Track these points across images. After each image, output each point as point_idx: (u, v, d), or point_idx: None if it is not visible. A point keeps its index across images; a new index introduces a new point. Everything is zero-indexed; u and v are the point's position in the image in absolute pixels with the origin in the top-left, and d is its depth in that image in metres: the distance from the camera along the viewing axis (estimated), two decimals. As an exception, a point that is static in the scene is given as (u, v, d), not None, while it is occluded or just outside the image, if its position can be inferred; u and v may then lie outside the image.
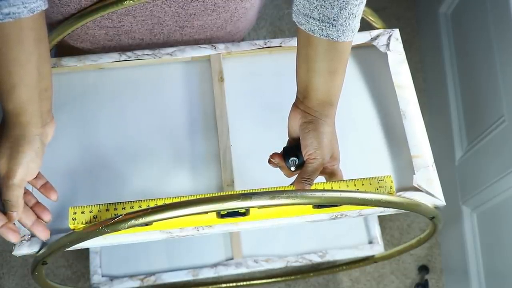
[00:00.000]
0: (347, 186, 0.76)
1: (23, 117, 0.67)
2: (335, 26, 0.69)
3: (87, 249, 1.50)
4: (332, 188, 0.76)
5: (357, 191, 0.75)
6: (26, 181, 0.70)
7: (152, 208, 0.67)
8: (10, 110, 0.66)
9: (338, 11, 0.68)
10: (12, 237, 0.73)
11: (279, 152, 0.78)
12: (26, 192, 0.74)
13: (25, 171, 0.68)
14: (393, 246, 1.63)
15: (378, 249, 1.46)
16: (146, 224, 0.68)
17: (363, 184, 0.77)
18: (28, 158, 0.68)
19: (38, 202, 0.75)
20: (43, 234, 0.75)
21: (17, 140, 0.67)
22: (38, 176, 0.75)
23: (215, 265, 1.42)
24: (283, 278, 1.56)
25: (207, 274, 1.42)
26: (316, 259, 1.44)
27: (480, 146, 1.39)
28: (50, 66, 0.69)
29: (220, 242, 1.44)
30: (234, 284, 1.53)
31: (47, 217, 0.75)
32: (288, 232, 1.46)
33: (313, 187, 0.75)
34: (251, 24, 1.04)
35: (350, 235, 1.47)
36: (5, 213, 0.71)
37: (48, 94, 0.69)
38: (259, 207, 0.69)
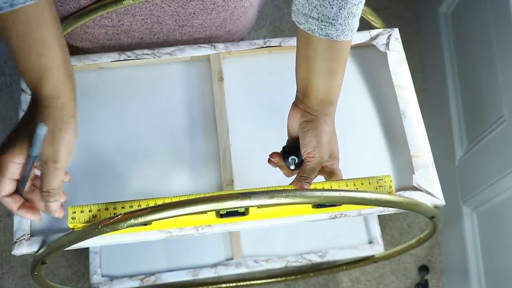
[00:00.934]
0: (347, 185, 0.76)
1: (60, 99, 0.66)
2: (334, 26, 0.69)
3: (87, 249, 1.50)
4: (331, 187, 0.76)
5: (357, 190, 0.75)
6: (67, 165, 0.69)
7: (151, 207, 0.67)
8: (45, 93, 0.65)
9: (338, 10, 0.68)
10: (33, 217, 0.71)
11: (279, 152, 0.78)
12: (37, 176, 0.72)
13: (68, 151, 0.67)
14: (393, 246, 1.63)
15: (378, 249, 1.46)
16: (146, 224, 0.68)
17: (362, 184, 0.77)
18: (68, 139, 0.67)
19: None
20: (58, 213, 0.73)
21: (56, 122, 0.66)
22: None
23: (215, 265, 1.42)
24: (283, 278, 1.56)
25: (207, 274, 1.42)
26: (316, 259, 1.44)
27: (480, 146, 1.39)
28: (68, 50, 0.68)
29: (220, 242, 1.44)
30: (234, 284, 1.53)
31: (62, 198, 0.73)
32: (288, 232, 1.46)
33: (312, 187, 0.75)
34: (250, 23, 1.04)
35: (350, 235, 1.47)
36: (29, 206, 0.71)
37: (73, 78, 0.68)
38: (258, 206, 0.69)
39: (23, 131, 0.67)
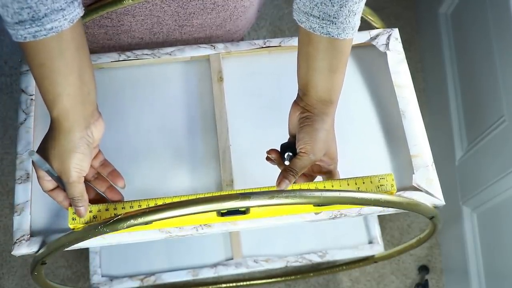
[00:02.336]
0: (348, 184, 0.76)
1: (66, 123, 0.70)
2: (335, 24, 0.69)
3: (87, 249, 1.50)
4: (332, 186, 0.76)
5: (356, 190, 0.75)
6: (82, 177, 0.73)
7: (150, 207, 0.67)
8: (55, 117, 0.70)
9: (339, 8, 0.68)
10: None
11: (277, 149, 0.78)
12: (104, 162, 0.79)
13: (77, 170, 0.71)
14: (393, 246, 1.63)
15: (378, 249, 1.46)
16: (146, 223, 0.68)
17: (364, 183, 0.77)
18: (76, 160, 0.71)
19: (114, 170, 0.79)
20: (116, 196, 0.78)
21: (64, 144, 0.70)
22: (105, 164, 0.79)
23: (215, 265, 1.42)
24: (283, 278, 1.56)
25: (207, 274, 1.42)
26: (316, 259, 1.44)
27: (480, 146, 1.39)
28: (92, 70, 0.71)
29: (220, 242, 1.45)
30: (234, 284, 1.53)
31: (121, 183, 0.78)
32: (288, 232, 1.46)
33: (312, 186, 0.75)
34: (250, 23, 1.04)
35: (350, 235, 1.47)
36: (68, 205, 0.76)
37: (91, 97, 0.71)
38: (258, 206, 0.69)
39: (39, 147, 0.73)
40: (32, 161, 0.74)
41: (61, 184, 0.73)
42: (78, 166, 0.71)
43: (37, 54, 0.65)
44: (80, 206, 0.74)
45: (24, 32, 0.63)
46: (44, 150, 0.72)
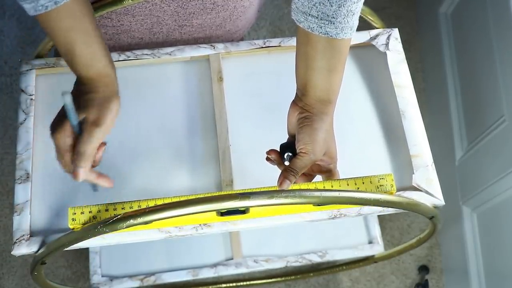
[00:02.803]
0: (348, 184, 0.76)
1: (107, 78, 0.72)
2: (333, 24, 0.69)
3: (86, 249, 1.50)
4: (332, 186, 0.76)
5: (356, 190, 0.75)
6: (106, 134, 0.73)
7: (150, 207, 0.67)
8: (93, 76, 0.71)
9: (337, 8, 0.68)
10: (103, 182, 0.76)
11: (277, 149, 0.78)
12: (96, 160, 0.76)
13: (111, 120, 0.72)
14: (393, 246, 1.63)
15: (378, 249, 1.46)
16: (145, 223, 0.68)
17: (363, 183, 0.77)
18: (114, 109, 0.72)
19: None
20: (108, 183, 0.76)
21: (105, 92, 0.72)
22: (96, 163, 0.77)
23: (215, 265, 1.42)
24: (283, 278, 1.56)
25: (207, 274, 1.42)
26: (316, 259, 1.44)
27: (480, 146, 1.39)
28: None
29: (220, 242, 1.45)
30: (234, 284, 1.53)
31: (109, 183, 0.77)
32: (288, 232, 1.46)
33: (312, 186, 0.76)
34: (250, 23, 1.04)
35: (350, 235, 1.47)
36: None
37: (113, 63, 0.75)
38: (258, 206, 0.69)
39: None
40: (64, 106, 0.69)
41: (78, 133, 0.71)
42: (112, 115, 0.72)
43: (62, 20, 0.67)
44: (82, 167, 0.71)
45: (45, 1, 0.64)
46: (79, 101, 0.71)
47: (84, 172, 0.71)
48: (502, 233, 1.30)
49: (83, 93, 0.72)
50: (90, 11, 0.71)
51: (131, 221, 0.67)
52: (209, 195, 0.73)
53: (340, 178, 0.78)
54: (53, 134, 0.72)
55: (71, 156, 0.72)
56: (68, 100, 0.66)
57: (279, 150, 0.77)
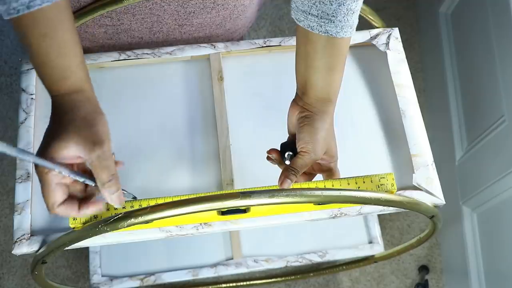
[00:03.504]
0: (348, 184, 0.76)
1: (85, 93, 0.65)
2: (333, 22, 0.69)
3: (86, 249, 1.50)
4: (332, 186, 0.76)
5: (357, 189, 0.75)
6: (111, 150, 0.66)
7: (151, 206, 0.67)
8: (67, 91, 0.64)
9: (337, 7, 0.68)
10: (98, 209, 0.68)
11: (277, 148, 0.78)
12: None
13: (108, 136, 0.65)
14: (393, 246, 1.63)
15: (378, 249, 1.46)
16: (146, 222, 0.68)
17: (364, 182, 0.77)
18: (105, 124, 0.65)
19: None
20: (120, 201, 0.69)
21: (88, 109, 0.65)
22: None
23: (215, 265, 1.42)
24: (283, 278, 1.56)
25: (207, 274, 1.42)
26: (316, 259, 1.44)
27: (480, 146, 1.39)
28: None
29: (220, 242, 1.44)
30: (234, 284, 1.53)
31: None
32: (288, 232, 1.46)
33: (313, 185, 0.75)
34: (250, 22, 1.04)
35: (350, 235, 1.47)
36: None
37: (89, 78, 0.68)
38: (259, 205, 0.69)
39: (44, 141, 0.64)
40: (35, 165, 0.62)
41: (80, 177, 0.64)
42: (107, 131, 0.65)
43: (36, 26, 0.61)
44: (116, 191, 0.66)
45: (17, 4, 0.59)
46: (55, 131, 0.63)
47: (120, 192, 0.67)
48: (502, 233, 1.30)
49: (62, 113, 0.64)
50: (68, 17, 0.64)
51: (132, 220, 0.67)
52: (211, 194, 0.73)
53: (341, 177, 0.78)
54: (59, 206, 0.64)
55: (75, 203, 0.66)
56: (39, 161, 0.59)
57: (279, 149, 0.77)
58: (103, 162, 0.64)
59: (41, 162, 0.60)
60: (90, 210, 0.67)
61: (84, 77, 0.66)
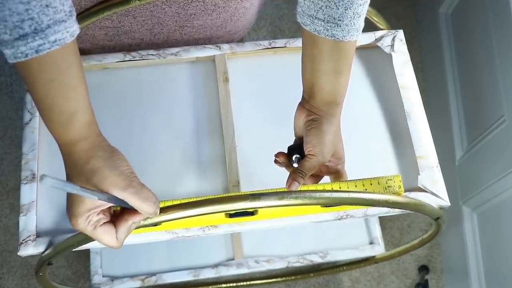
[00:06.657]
0: (356, 186, 0.77)
1: (93, 137, 0.64)
2: (340, 26, 0.69)
3: (87, 249, 1.50)
4: (340, 188, 0.76)
5: (365, 191, 0.75)
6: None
7: (161, 208, 0.67)
8: (72, 136, 0.63)
9: (343, 11, 0.68)
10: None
11: (285, 152, 0.78)
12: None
13: (128, 170, 0.65)
14: (393, 246, 1.63)
15: (379, 249, 1.46)
16: (155, 224, 0.68)
17: (371, 184, 0.77)
18: (125, 161, 0.65)
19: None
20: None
21: (107, 154, 0.64)
22: None
23: (216, 266, 1.42)
24: (283, 278, 1.56)
25: (208, 274, 1.42)
26: (317, 259, 1.44)
27: (480, 146, 1.39)
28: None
29: (221, 243, 1.45)
30: (235, 284, 1.53)
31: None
32: (289, 232, 1.46)
33: (320, 187, 0.76)
34: (250, 23, 1.04)
35: (351, 235, 1.47)
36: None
37: (95, 120, 0.66)
38: (268, 207, 0.69)
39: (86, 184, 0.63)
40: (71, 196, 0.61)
41: (122, 204, 0.64)
42: (128, 167, 0.64)
43: (44, 71, 0.59)
44: (156, 212, 0.66)
45: (26, 48, 0.56)
46: (83, 177, 0.62)
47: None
48: (502, 233, 1.31)
49: (81, 164, 0.63)
50: (77, 60, 0.62)
51: (141, 222, 0.67)
52: (220, 196, 0.73)
53: (347, 179, 0.78)
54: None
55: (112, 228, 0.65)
56: (49, 184, 0.56)
57: (286, 152, 0.78)
58: (141, 195, 0.64)
59: (101, 196, 0.60)
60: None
61: (90, 119, 0.65)
